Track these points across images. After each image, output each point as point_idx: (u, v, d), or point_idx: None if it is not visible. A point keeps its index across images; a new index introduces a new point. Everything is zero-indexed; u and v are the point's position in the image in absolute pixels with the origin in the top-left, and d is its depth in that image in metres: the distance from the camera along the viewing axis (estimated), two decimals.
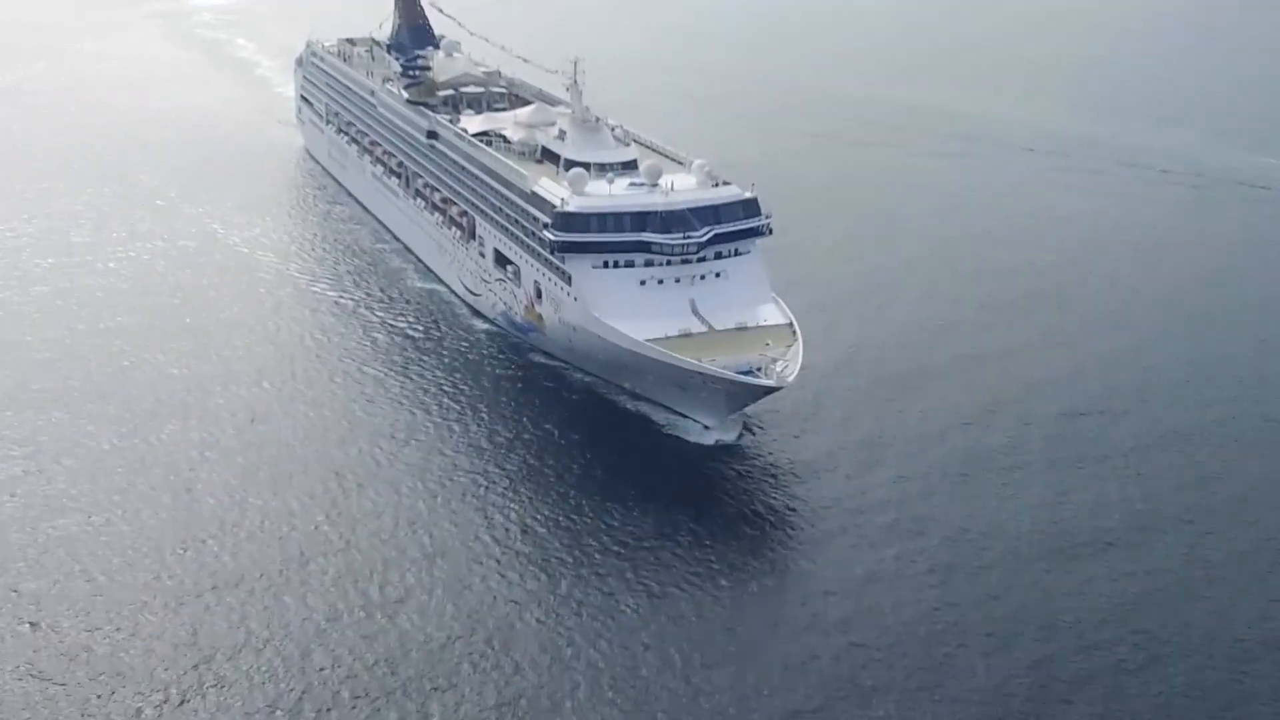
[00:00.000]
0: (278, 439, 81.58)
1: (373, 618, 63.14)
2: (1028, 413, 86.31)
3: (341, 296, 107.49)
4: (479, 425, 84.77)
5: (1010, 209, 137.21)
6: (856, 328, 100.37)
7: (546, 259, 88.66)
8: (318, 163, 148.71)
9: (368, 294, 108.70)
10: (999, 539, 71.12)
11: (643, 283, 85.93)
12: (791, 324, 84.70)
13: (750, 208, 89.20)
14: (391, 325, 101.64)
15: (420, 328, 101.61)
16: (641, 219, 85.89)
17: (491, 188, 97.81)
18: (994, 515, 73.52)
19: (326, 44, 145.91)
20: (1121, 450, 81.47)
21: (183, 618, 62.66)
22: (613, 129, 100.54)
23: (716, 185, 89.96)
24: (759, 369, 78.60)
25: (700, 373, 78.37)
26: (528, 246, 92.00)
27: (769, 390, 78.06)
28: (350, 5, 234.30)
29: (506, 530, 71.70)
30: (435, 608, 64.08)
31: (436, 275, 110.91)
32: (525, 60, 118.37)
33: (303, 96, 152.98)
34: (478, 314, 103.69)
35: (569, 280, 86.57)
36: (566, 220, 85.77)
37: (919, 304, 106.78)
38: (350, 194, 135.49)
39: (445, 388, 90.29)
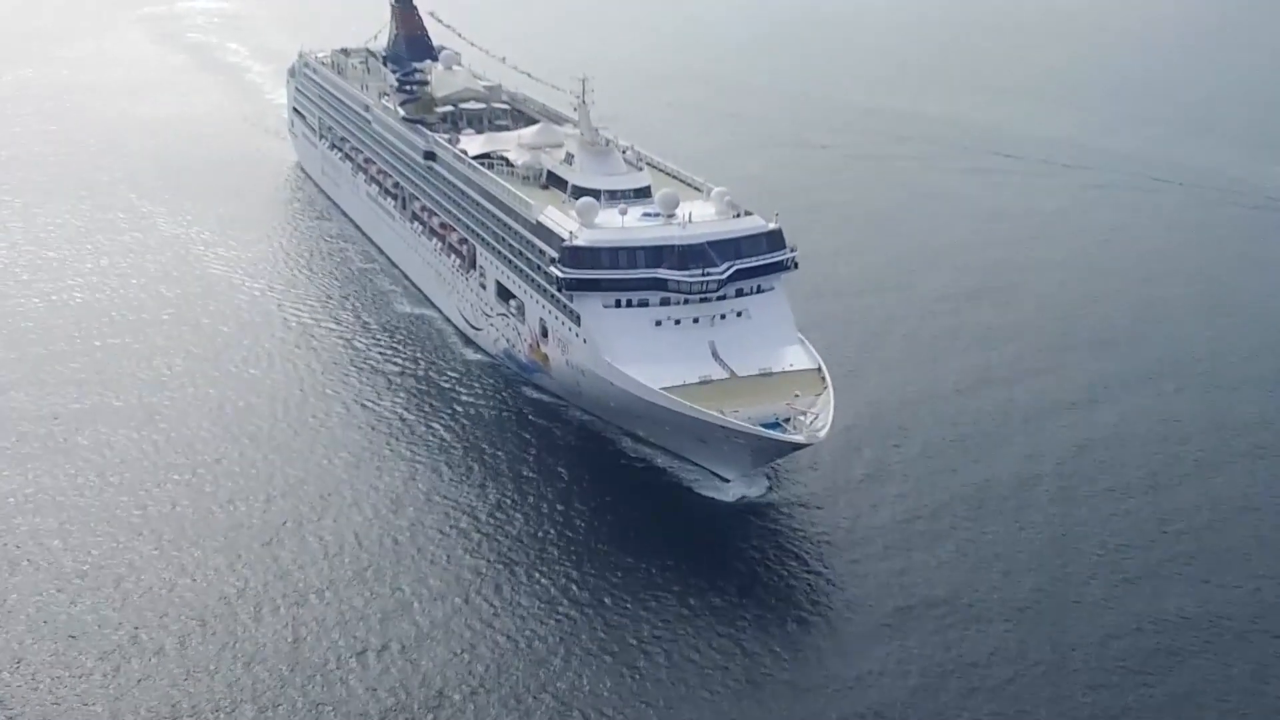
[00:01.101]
0: (244, 495, 74.70)
1: (368, 669, 59.02)
2: (1082, 474, 78.56)
3: (326, 325, 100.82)
4: (474, 471, 78.19)
5: (1050, 231, 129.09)
6: (886, 368, 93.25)
7: (553, 296, 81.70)
8: (311, 179, 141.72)
9: (355, 319, 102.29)
10: (1057, 622, 63.87)
11: (658, 323, 78.96)
12: (820, 368, 77.76)
13: (774, 240, 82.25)
14: (378, 357, 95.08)
15: (409, 359, 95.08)
16: (657, 254, 78.92)
17: (493, 215, 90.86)
18: (1054, 593, 66.33)
19: (319, 55, 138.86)
20: (1200, 529, 72.73)
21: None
22: (623, 151, 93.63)
23: (738, 215, 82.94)
24: (786, 420, 71.76)
25: (724, 427, 71.38)
26: (532, 281, 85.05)
27: (798, 446, 71.02)
28: (346, 9, 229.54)
29: (507, 589, 65.74)
30: (434, 667, 59.37)
31: (434, 305, 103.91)
32: (529, 75, 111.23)
33: (295, 109, 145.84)
34: (470, 343, 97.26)
35: (577, 320, 79.59)
36: (575, 256, 78.78)
37: (952, 339, 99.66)
38: (344, 213, 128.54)
39: (437, 428, 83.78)
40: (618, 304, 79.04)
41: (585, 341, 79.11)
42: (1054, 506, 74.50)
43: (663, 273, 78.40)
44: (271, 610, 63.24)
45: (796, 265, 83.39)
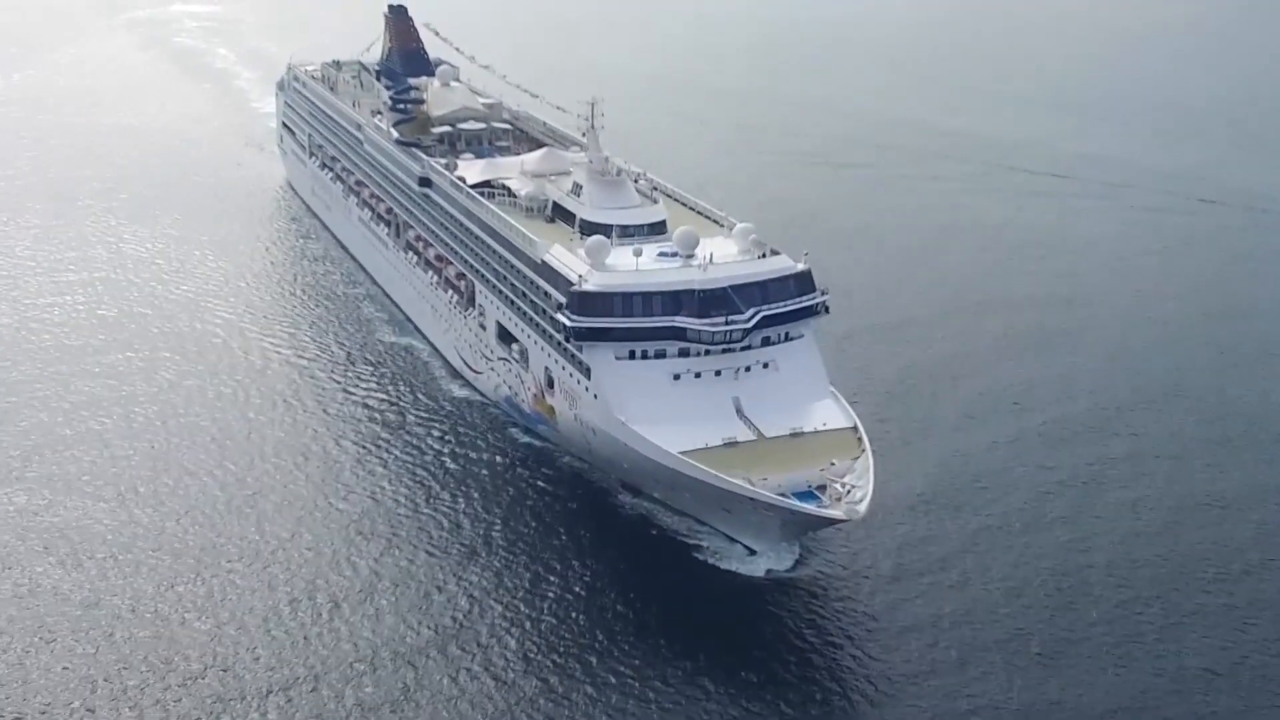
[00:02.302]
0: (213, 548, 67.69)
1: None
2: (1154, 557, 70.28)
3: (303, 355, 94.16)
4: (463, 529, 71.20)
5: (1098, 262, 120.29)
6: (926, 424, 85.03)
7: (560, 344, 74.07)
8: (300, 198, 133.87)
9: (337, 350, 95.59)
10: None
11: (676, 377, 71.39)
12: (855, 427, 70.24)
13: (803, 282, 74.70)
14: (359, 393, 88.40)
15: (391, 398, 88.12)
16: (675, 299, 71.27)
17: (494, 251, 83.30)
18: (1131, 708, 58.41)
19: (309, 68, 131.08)
20: None
21: None
22: (635, 179, 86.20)
23: (763, 255, 75.26)
24: (822, 489, 64.50)
25: (753, 499, 63.81)
26: (537, 325, 77.45)
27: (835, 522, 63.40)
28: (339, 13, 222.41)
29: (500, 665, 59.30)
30: None
31: (431, 342, 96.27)
32: (531, 94, 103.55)
33: (284, 124, 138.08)
34: (459, 377, 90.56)
35: (587, 373, 71.99)
36: (585, 302, 71.12)
37: (998, 388, 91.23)
38: (336, 238, 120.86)
39: (422, 477, 76.97)
40: (632, 355, 71.49)
41: (596, 397, 71.52)
42: (1118, 593, 66.65)
43: (682, 321, 70.78)
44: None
45: (828, 310, 75.93)
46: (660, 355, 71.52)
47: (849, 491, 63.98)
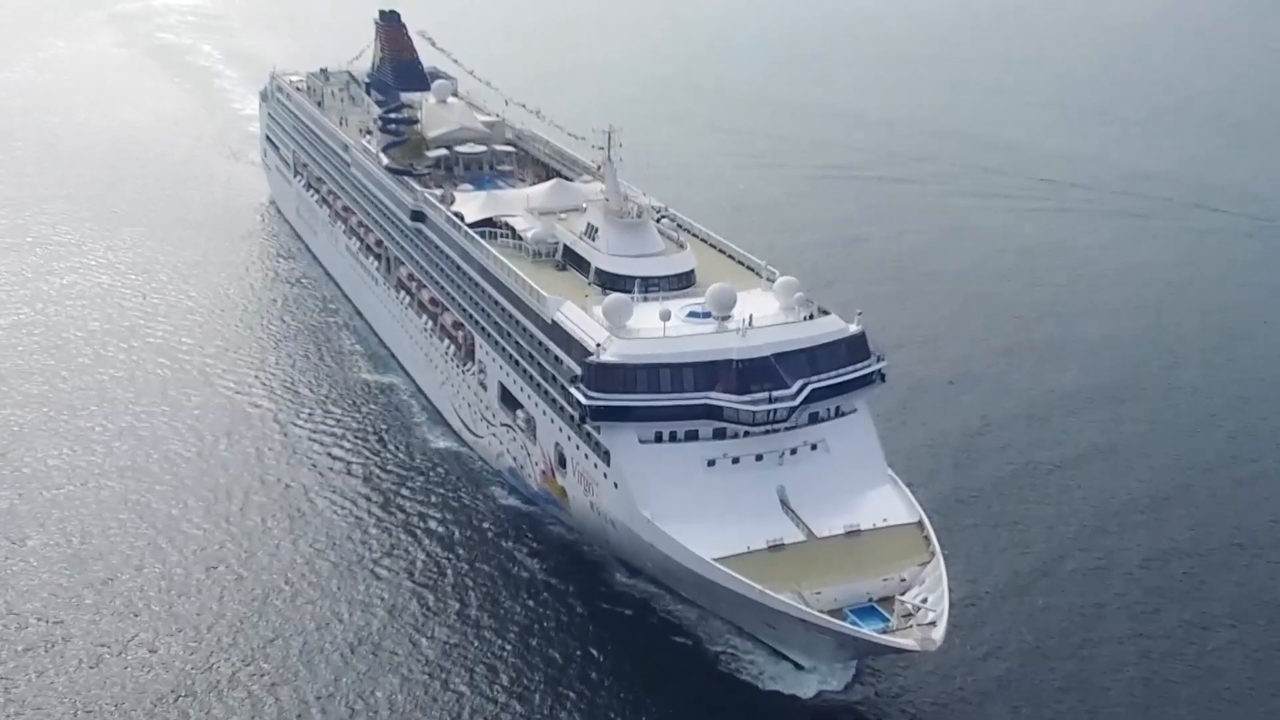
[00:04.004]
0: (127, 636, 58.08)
1: None
2: None
3: (269, 402, 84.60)
4: (454, 628, 61.32)
5: (1175, 290, 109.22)
6: (999, 500, 74.10)
7: (572, 417, 63.55)
8: (285, 219, 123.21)
9: (308, 391, 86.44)
10: None
11: (711, 463, 60.93)
12: (921, 522, 59.83)
13: (856, 348, 64.19)
14: (330, 442, 79.25)
15: (366, 445, 79.11)
16: (710, 372, 60.70)
17: (495, 303, 72.74)
18: None
19: (294, 78, 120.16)
20: None
21: None
22: (658, 217, 75.70)
23: (810, 316, 64.44)
24: (885, 601, 54.71)
25: (803, 621, 53.47)
26: (545, 394, 67.01)
27: (906, 651, 52.98)
28: (329, 9, 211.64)
29: None
30: None
31: (422, 390, 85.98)
32: (540, 115, 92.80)
33: (268, 137, 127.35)
34: (442, 420, 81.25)
35: (606, 457, 61.52)
36: (604, 376, 60.55)
37: (1081, 456, 79.94)
38: (321, 265, 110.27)
39: (409, 540, 68.18)
40: (659, 437, 61.00)
41: (616, 486, 61.09)
42: None
43: (717, 397, 60.23)
44: None
45: (884, 378, 65.28)
46: (692, 437, 61.08)
47: (919, 609, 53.81)
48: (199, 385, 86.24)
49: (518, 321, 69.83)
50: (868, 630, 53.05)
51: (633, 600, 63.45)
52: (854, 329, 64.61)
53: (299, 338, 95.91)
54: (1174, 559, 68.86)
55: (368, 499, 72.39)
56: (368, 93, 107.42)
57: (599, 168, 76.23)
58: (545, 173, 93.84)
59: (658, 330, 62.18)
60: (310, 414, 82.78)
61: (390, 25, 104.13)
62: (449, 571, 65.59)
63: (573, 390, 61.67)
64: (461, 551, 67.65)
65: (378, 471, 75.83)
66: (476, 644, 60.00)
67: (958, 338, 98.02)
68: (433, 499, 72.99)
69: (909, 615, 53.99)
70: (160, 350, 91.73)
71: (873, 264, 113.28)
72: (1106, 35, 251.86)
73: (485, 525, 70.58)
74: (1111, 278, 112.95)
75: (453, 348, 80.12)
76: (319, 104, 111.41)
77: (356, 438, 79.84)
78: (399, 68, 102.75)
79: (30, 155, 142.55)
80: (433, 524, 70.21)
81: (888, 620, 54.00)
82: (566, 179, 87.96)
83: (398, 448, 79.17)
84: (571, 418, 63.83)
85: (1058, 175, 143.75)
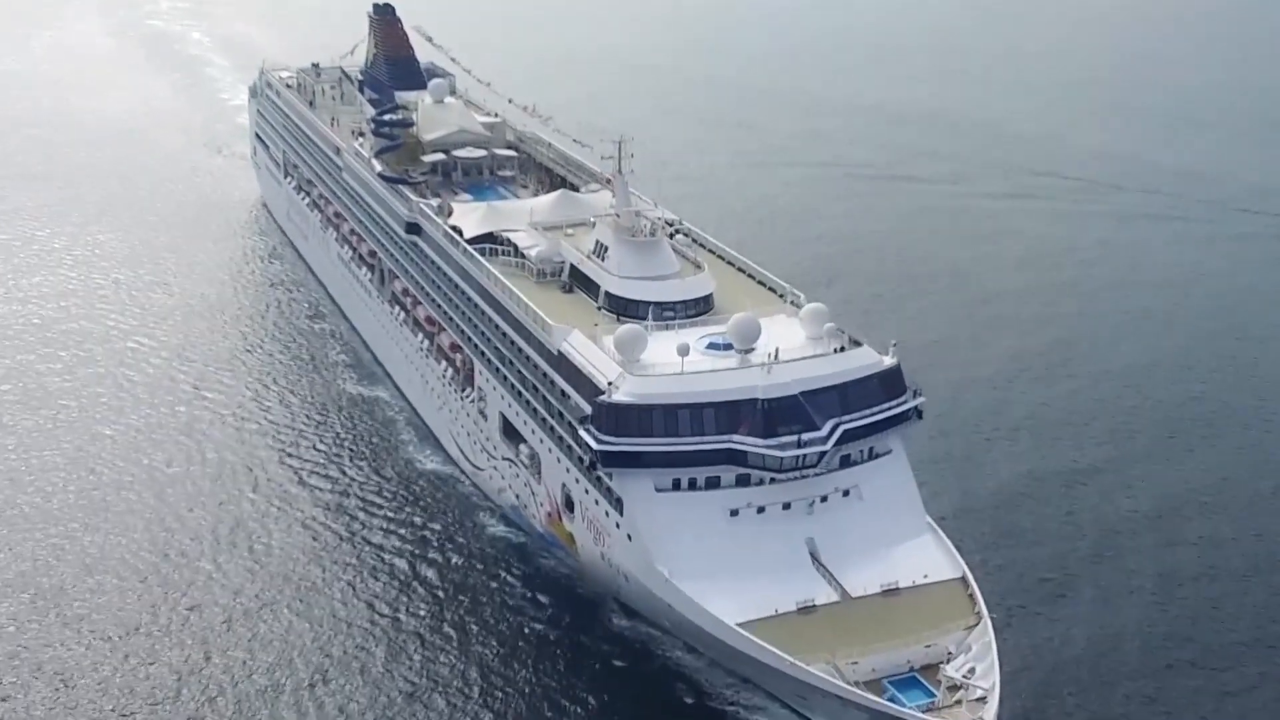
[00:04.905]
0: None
1: None
2: None
3: (244, 415, 79.81)
4: (434, 655, 57.25)
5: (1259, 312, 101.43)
6: (1050, 547, 67.19)
7: (581, 459, 58.05)
8: (275, 221, 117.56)
9: (285, 408, 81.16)
10: None
11: (734, 513, 55.47)
12: (965, 578, 54.39)
13: (891, 382, 58.67)
14: (308, 460, 74.44)
15: (344, 465, 74.10)
16: (733, 412, 55.14)
17: (496, 328, 67.17)
18: None
19: (284, 74, 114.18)
20: None
21: None
22: (672, 232, 70.09)
23: (841, 348, 58.72)
24: (928, 670, 49.38)
25: (840, 696, 48.06)
26: (551, 430, 61.52)
27: None
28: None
29: None
30: None
31: (418, 413, 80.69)
32: (543, 120, 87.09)
33: (257, 134, 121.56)
34: (428, 439, 76.61)
35: (619, 506, 56.05)
36: (616, 417, 54.98)
37: (1149, 493, 72.95)
38: (314, 274, 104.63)
39: (384, 574, 63.12)
40: (676, 485, 55.54)
41: (630, 538, 55.64)
42: None
43: (741, 441, 54.73)
44: None
45: (920, 415, 59.70)
46: (713, 484, 55.61)
47: (966, 682, 48.39)
48: (169, 395, 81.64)
49: (520, 349, 64.31)
50: (911, 709, 47.64)
51: (630, 645, 58.45)
52: (889, 361, 59.04)
53: (282, 345, 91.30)
54: None
55: (344, 526, 67.54)
56: (361, 91, 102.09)
57: (608, 180, 70.57)
58: (549, 178, 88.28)
59: (675, 365, 56.53)
60: (288, 429, 78.16)
61: (385, 20, 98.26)
62: (426, 610, 60.63)
63: (582, 433, 56.09)
64: (443, 586, 62.69)
65: (357, 495, 70.85)
66: (456, 690, 55.01)
67: (990, 356, 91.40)
68: (415, 527, 67.98)
69: (956, 689, 48.61)
70: (132, 356, 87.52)
71: (896, 270, 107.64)
72: (1145, 26, 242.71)
73: (471, 557, 65.58)
74: (1180, 288, 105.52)
75: (450, 371, 74.64)
76: (310, 103, 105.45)
77: (336, 456, 75.05)
78: (394, 65, 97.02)
79: (10, 146, 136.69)
80: (411, 556, 65.23)
81: (933, 695, 48.60)
82: (572, 186, 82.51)
83: (380, 469, 74.23)
84: (580, 459, 58.33)
85: (1097, 176, 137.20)
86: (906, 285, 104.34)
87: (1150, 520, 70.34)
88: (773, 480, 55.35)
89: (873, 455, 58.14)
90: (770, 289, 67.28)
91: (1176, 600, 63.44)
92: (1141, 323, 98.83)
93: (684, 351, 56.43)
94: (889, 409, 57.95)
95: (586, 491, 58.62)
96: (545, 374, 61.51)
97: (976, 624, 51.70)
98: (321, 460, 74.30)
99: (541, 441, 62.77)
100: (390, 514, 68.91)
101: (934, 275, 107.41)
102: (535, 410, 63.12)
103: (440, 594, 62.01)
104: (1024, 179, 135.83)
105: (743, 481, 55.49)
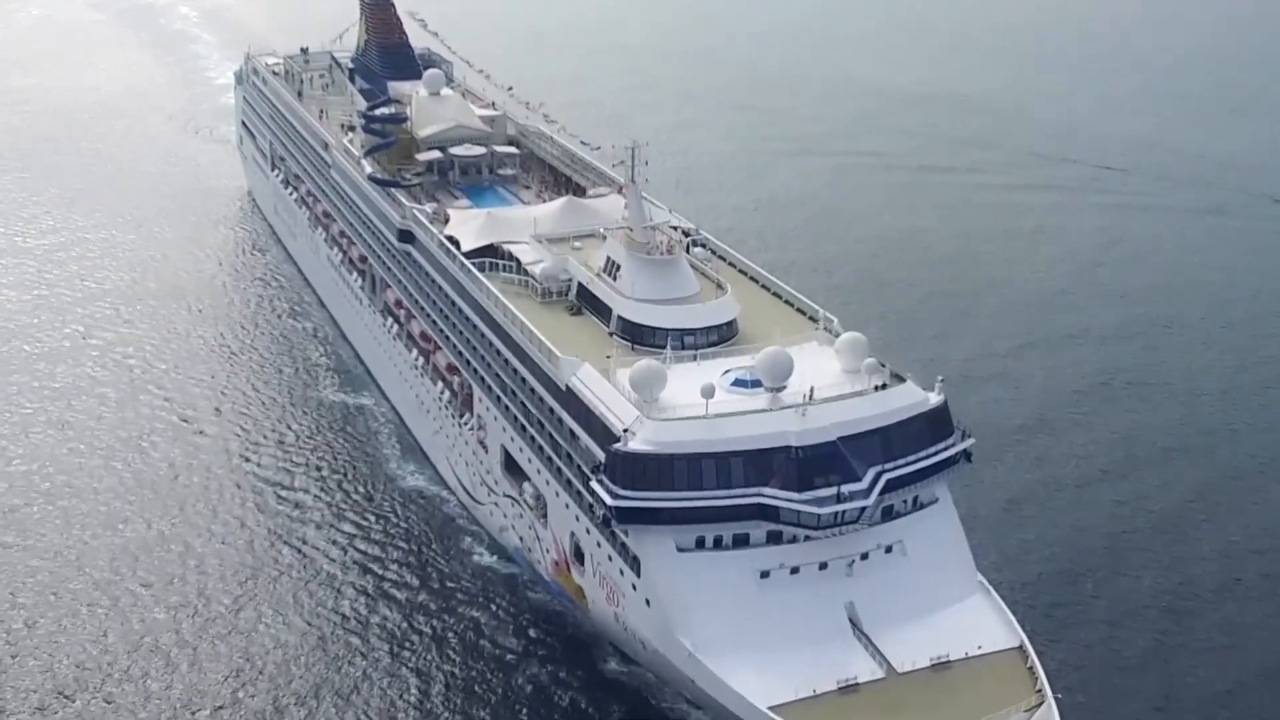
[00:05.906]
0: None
1: None
2: None
3: (217, 427, 74.56)
4: (411, 701, 52.57)
5: None
6: (1112, 610, 60.17)
7: (591, 507, 52.02)
8: (261, 214, 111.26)
9: (264, 417, 76.23)
10: None
11: (765, 574, 49.51)
12: (1023, 647, 48.51)
13: (939, 423, 52.58)
14: (284, 477, 69.44)
15: (325, 484, 69.07)
16: (764, 462, 49.03)
17: (498, 354, 60.99)
18: None
19: (271, 60, 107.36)
20: None
21: None
22: (689, 244, 63.89)
23: (882, 386, 52.46)
24: None
25: None
26: (559, 473, 55.45)
27: None
28: None
29: None
30: None
31: (415, 437, 74.65)
32: (547, 116, 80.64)
33: (244, 123, 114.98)
34: (414, 452, 71.41)
35: (635, 566, 50.11)
36: (633, 468, 48.87)
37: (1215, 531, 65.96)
38: (300, 271, 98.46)
39: (362, 604, 58.59)
40: (700, 544, 49.50)
41: (649, 603, 49.62)
42: None
43: (773, 495, 48.69)
44: None
45: (970, 458, 53.59)
46: (741, 542, 49.64)
47: None
48: (136, 397, 76.79)
49: (524, 380, 58.17)
50: None
51: (625, 693, 53.50)
52: (935, 399, 52.94)
53: (263, 346, 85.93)
54: None
55: (318, 549, 62.69)
56: (351, 80, 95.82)
57: (620, 189, 64.30)
58: (553, 177, 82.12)
59: (698, 407, 50.31)
60: (265, 439, 73.32)
61: (377, 4, 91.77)
62: (405, 648, 55.64)
63: (594, 484, 50.03)
64: (424, 621, 57.60)
65: (333, 515, 65.90)
66: None
67: (1033, 371, 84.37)
68: (395, 552, 63.04)
69: None
70: (103, 351, 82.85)
71: (926, 273, 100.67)
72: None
73: (454, 589, 60.49)
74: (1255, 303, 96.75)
75: (447, 394, 68.60)
76: (298, 93, 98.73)
77: (315, 471, 70.19)
78: (386, 52, 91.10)
79: None
80: (389, 584, 60.45)
81: None
82: (579, 187, 76.47)
83: (361, 486, 69.21)
84: (591, 507, 52.33)
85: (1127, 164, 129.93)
86: (934, 291, 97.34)
87: (1255, 579, 62.06)
88: (807, 537, 49.32)
89: (918, 505, 52.18)
90: (799, 310, 61.02)
91: None
92: (1225, 334, 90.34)
93: (709, 393, 50.13)
94: (936, 453, 51.92)
95: (599, 545, 52.68)
96: (552, 410, 55.44)
97: (1039, 705, 45.86)
98: (297, 475, 69.88)
99: (548, 484, 56.79)
100: (368, 535, 64.59)
101: (958, 277, 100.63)
102: (540, 448, 57.11)
103: (416, 627, 57.39)
104: (1079, 171, 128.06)
105: (774, 539, 49.54)
